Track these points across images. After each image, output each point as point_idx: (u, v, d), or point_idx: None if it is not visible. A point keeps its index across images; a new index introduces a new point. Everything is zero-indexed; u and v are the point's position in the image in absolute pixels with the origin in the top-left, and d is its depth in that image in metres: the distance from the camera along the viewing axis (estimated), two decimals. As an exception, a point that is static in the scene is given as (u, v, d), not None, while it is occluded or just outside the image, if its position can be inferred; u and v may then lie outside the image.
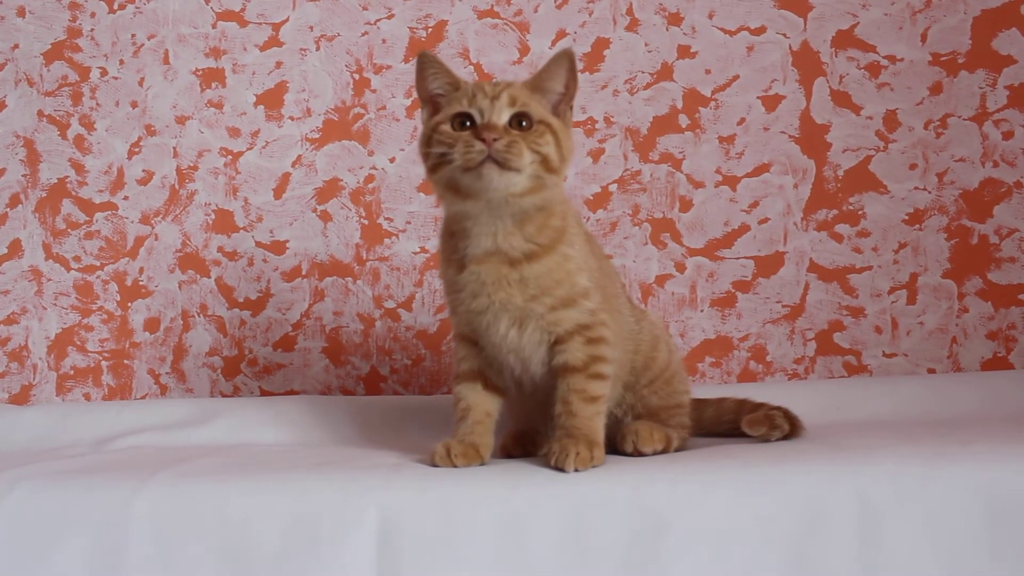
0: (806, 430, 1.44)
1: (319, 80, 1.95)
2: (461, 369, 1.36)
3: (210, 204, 1.95)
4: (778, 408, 1.47)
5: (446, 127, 1.27)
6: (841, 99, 1.88)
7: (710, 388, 1.74)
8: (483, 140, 1.22)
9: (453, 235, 1.33)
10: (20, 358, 1.96)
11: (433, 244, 1.92)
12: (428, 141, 1.29)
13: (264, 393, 1.93)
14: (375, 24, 1.95)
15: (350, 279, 1.93)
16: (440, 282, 1.91)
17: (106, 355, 1.95)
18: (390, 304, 1.93)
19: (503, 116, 1.25)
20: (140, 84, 1.97)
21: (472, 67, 1.92)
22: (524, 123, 1.26)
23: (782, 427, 1.41)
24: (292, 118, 1.95)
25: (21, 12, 1.98)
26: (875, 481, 1.12)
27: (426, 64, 1.32)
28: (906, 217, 1.87)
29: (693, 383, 1.56)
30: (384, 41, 1.95)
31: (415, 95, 1.92)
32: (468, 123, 1.26)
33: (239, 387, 1.94)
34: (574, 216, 1.37)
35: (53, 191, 1.97)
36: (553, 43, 1.92)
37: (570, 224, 1.33)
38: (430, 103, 1.33)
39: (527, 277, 1.28)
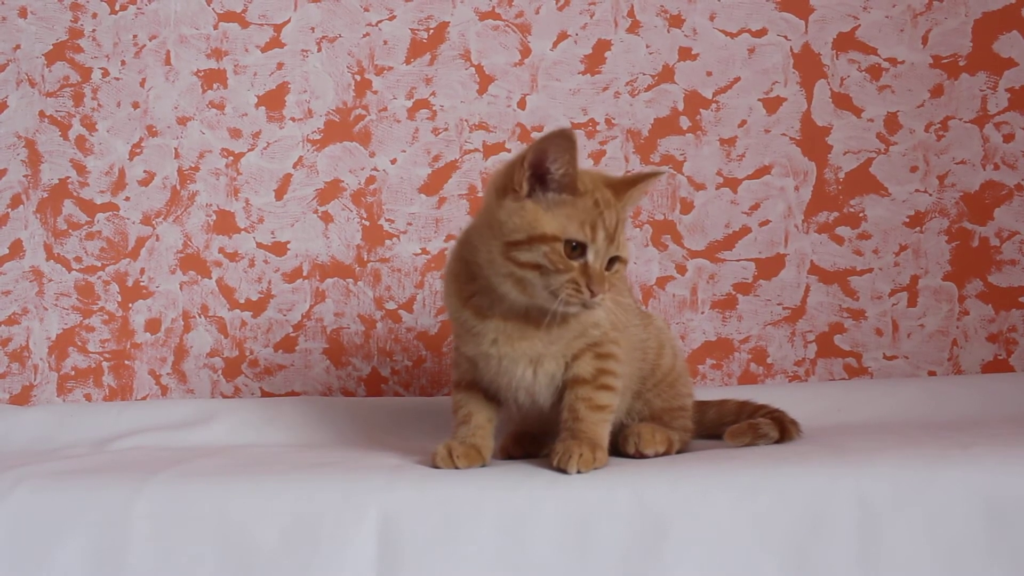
0: (802, 433, 1.44)
1: (320, 81, 1.95)
2: (463, 379, 1.36)
3: (211, 205, 1.95)
4: (771, 413, 1.47)
5: (560, 247, 1.19)
6: (842, 101, 1.88)
7: (711, 390, 1.75)
8: (592, 293, 1.19)
9: (474, 280, 1.29)
10: (21, 358, 1.96)
11: (434, 245, 1.92)
12: (529, 239, 1.20)
13: (265, 394, 1.93)
14: (376, 25, 1.95)
15: (351, 280, 1.93)
16: (440, 284, 1.92)
17: (107, 356, 1.95)
18: (391, 305, 1.93)
19: (605, 258, 1.22)
20: (141, 85, 1.97)
21: (473, 68, 1.93)
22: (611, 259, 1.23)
23: (769, 434, 1.39)
24: (293, 119, 1.95)
25: (23, 13, 1.98)
26: (875, 483, 1.12)
27: (565, 146, 1.19)
28: (907, 219, 1.87)
29: (694, 385, 1.56)
30: (385, 42, 1.95)
31: (416, 96, 1.94)
32: (576, 248, 1.20)
33: (240, 388, 1.94)
34: None
35: (54, 192, 1.97)
36: (555, 45, 1.92)
37: None
38: (537, 178, 1.21)
39: (553, 334, 1.27)
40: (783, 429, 1.41)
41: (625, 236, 1.27)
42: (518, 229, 1.20)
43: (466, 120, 1.92)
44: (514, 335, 1.27)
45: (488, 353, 1.29)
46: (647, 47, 1.91)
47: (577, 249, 1.20)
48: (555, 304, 1.20)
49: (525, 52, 1.93)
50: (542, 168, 1.20)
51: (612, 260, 1.24)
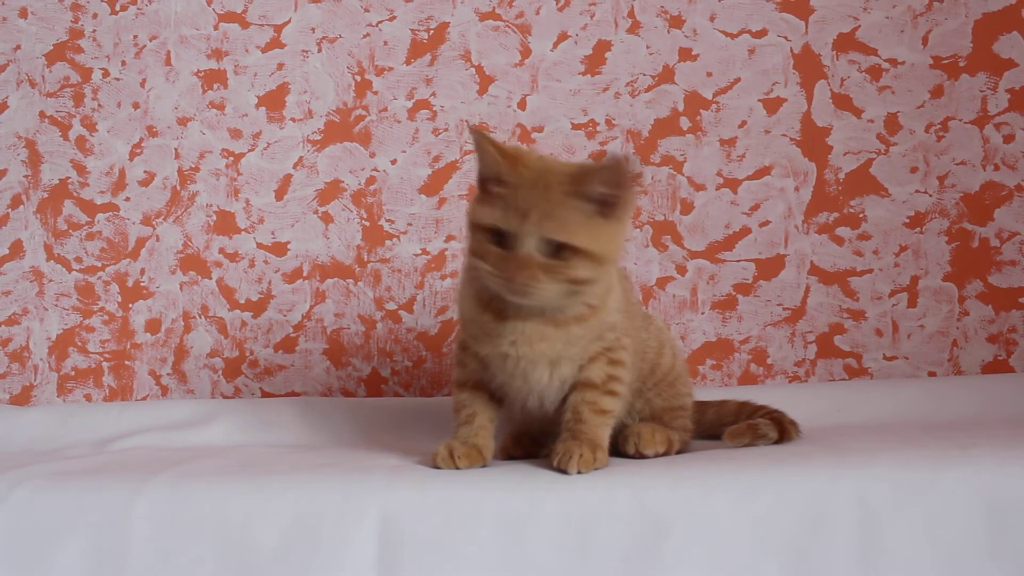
0: (801, 434, 1.44)
1: (321, 82, 1.95)
2: (469, 379, 1.35)
3: (211, 205, 1.95)
4: (770, 413, 1.47)
5: (482, 235, 1.21)
6: (842, 102, 1.88)
7: (711, 390, 1.75)
8: (507, 273, 1.19)
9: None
10: (21, 359, 1.96)
11: (434, 246, 1.92)
12: (471, 232, 1.24)
13: (265, 394, 1.93)
14: (377, 26, 1.95)
15: (351, 281, 1.93)
16: (440, 284, 1.93)
17: (107, 356, 1.95)
18: (391, 306, 1.93)
19: (531, 242, 1.18)
20: (142, 85, 1.97)
21: (473, 69, 1.93)
22: (552, 244, 1.20)
23: (768, 435, 1.39)
24: (294, 120, 1.95)
25: (23, 13, 1.98)
26: (875, 484, 1.12)
27: (478, 143, 1.23)
28: (907, 220, 1.87)
29: (694, 385, 1.56)
30: (386, 43, 1.95)
31: (416, 97, 1.94)
32: (500, 236, 1.20)
33: (240, 388, 1.94)
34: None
35: (54, 192, 1.97)
36: (555, 45, 1.92)
37: (614, 275, 1.30)
38: (484, 181, 1.24)
39: (573, 336, 1.27)
40: (782, 429, 1.41)
41: (564, 215, 1.19)
42: (467, 223, 1.25)
43: (466, 121, 1.92)
44: (533, 336, 1.26)
45: (506, 354, 1.28)
46: (647, 48, 1.91)
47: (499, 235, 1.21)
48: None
49: (525, 53, 1.93)
50: (483, 174, 1.24)
51: (560, 247, 1.19)
